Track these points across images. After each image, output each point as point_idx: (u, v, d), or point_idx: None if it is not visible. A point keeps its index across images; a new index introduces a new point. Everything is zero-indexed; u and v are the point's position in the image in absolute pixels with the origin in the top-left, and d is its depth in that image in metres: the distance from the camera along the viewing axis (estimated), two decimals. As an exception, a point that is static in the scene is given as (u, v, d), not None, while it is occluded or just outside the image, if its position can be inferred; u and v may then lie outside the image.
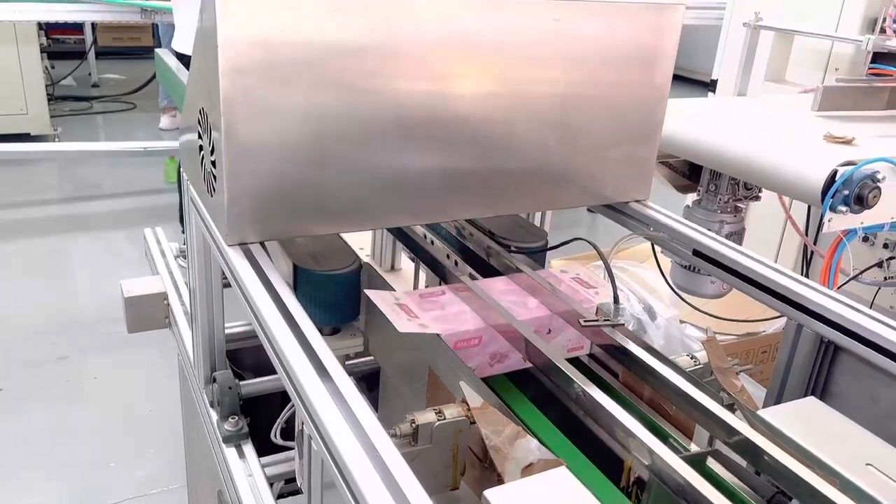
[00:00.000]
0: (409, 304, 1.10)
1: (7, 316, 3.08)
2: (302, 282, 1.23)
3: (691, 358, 1.11)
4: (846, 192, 1.36)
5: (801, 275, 1.11)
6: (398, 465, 0.68)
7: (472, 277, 1.26)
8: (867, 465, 0.82)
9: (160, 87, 5.59)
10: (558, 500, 0.71)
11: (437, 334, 1.05)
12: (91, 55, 6.76)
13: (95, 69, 6.84)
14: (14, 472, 2.26)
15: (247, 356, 1.68)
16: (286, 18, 0.96)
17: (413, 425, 0.88)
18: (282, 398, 1.57)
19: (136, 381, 2.71)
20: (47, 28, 6.11)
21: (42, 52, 5.16)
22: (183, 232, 3.07)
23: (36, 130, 5.05)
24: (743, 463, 0.92)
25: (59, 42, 7.22)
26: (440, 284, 1.30)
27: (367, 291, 1.13)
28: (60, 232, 4.00)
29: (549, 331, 1.11)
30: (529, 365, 1.08)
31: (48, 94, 5.30)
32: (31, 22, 4.74)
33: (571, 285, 1.21)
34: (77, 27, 6.97)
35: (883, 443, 0.85)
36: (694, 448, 0.96)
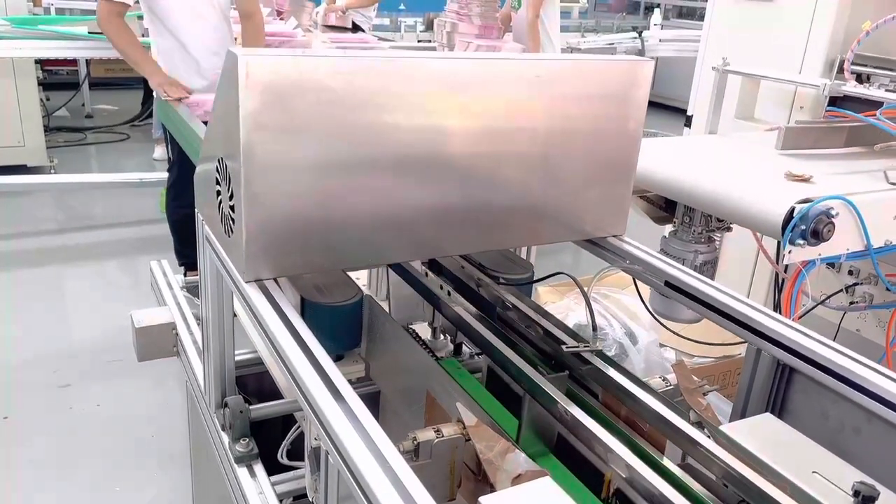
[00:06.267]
0: None
1: (8, 345, 3.14)
2: (309, 313, 1.33)
3: (663, 380, 1.22)
4: (803, 227, 1.48)
5: (773, 300, 1.23)
6: (408, 476, 0.78)
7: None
8: (813, 472, 0.93)
9: (154, 118, 5.69)
10: (543, 504, 0.82)
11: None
12: (85, 86, 6.87)
13: (89, 100, 6.95)
14: (23, 497, 2.32)
15: (249, 382, 1.78)
16: (298, 79, 1.08)
17: (415, 442, 0.99)
18: (282, 422, 1.66)
19: (138, 408, 2.78)
20: (42, 60, 6.19)
21: (38, 84, 5.26)
22: (181, 265, 3.15)
23: (33, 162, 5.14)
24: (712, 476, 1.03)
25: (53, 73, 7.31)
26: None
27: None
28: (57, 262, 4.07)
29: None
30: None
31: (44, 126, 5.39)
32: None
33: None
34: (71, 59, 7.06)
35: (827, 452, 0.97)
36: (666, 462, 1.07)
